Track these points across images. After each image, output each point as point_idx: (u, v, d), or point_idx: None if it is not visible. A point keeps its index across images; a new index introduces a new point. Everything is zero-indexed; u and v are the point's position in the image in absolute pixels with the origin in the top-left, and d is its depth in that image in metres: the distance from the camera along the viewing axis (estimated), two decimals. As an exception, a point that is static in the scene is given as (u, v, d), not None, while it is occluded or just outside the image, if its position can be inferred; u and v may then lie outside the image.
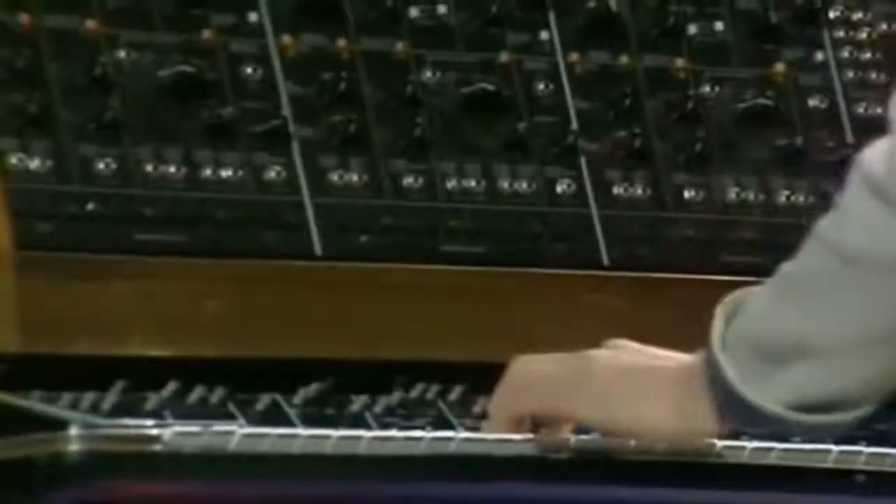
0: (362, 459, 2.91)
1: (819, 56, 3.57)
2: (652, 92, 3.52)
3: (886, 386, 2.68)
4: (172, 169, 3.11)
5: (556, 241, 3.33)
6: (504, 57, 3.42)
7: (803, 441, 2.94)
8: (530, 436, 2.93)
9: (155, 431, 2.72)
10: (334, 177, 3.27)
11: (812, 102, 3.39)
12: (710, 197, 3.44)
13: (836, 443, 3.01)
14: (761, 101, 3.53)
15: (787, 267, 2.68)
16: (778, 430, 2.78)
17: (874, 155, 2.60)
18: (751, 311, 2.71)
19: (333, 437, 2.86)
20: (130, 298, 3.06)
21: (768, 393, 2.62)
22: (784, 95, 3.50)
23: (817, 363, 2.65)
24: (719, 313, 2.70)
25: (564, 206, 3.35)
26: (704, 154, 3.48)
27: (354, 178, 3.25)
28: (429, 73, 3.38)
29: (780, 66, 3.59)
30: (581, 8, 3.55)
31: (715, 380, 2.66)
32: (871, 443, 3.08)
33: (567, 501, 3.16)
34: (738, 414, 2.68)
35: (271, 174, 3.20)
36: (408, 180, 3.29)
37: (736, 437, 2.95)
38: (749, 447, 2.96)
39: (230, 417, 2.87)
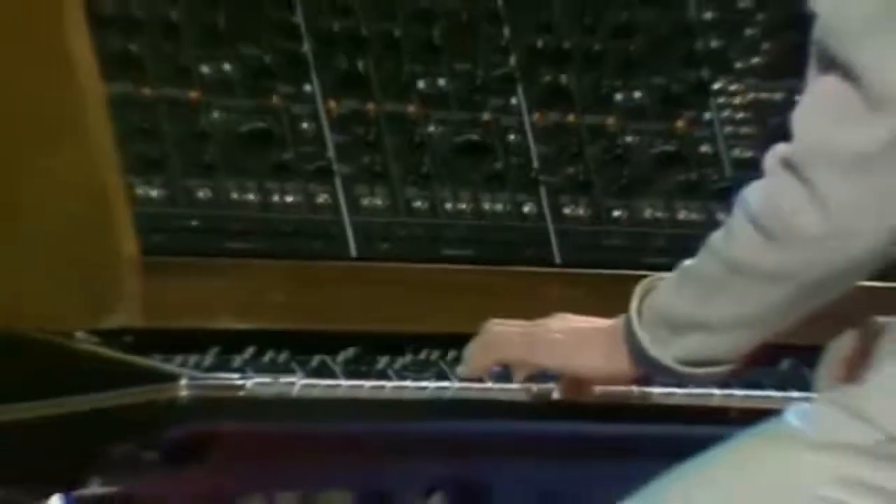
0: (387, 402, 3.10)
1: (707, 115, 3.60)
2: (591, 140, 3.57)
3: (750, 351, 2.76)
4: (251, 196, 3.21)
5: (523, 246, 3.43)
6: (486, 116, 3.50)
7: (693, 387, 3.07)
8: (516, 385, 3.02)
9: (239, 382, 2.91)
10: (365, 201, 3.36)
11: (703, 148, 3.43)
12: (632, 216, 3.49)
13: (719, 387, 3.15)
14: (668, 147, 3.60)
15: (687, 264, 2.77)
16: (672, 377, 2.84)
17: (753, 192, 2.68)
18: (659, 293, 2.78)
19: (365, 387, 3.05)
20: (221, 288, 3.16)
21: (667, 352, 2.73)
22: (684, 143, 3.47)
23: (702, 335, 2.74)
24: (637, 291, 2.79)
25: (528, 221, 3.44)
26: (629, 185, 3.56)
27: (378, 202, 3.35)
28: (432, 127, 3.44)
29: (680, 122, 3.54)
30: (541, 80, 3.60)
31: (631, 338, 2.76)
32: (741, 387, 3.23)
33: (536, 432, 3.29)
34: (645, 364, 2.78)
35: (320, 199, 3.30)
36: (417, 203, 3.38)
37: (647, 381, 3.04)
38: (656, 392, 3.09)
39: (292, 372, 3.03)
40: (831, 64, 2.65)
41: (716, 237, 2.72)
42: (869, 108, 2.60)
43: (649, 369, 2.83)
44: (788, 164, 2.65)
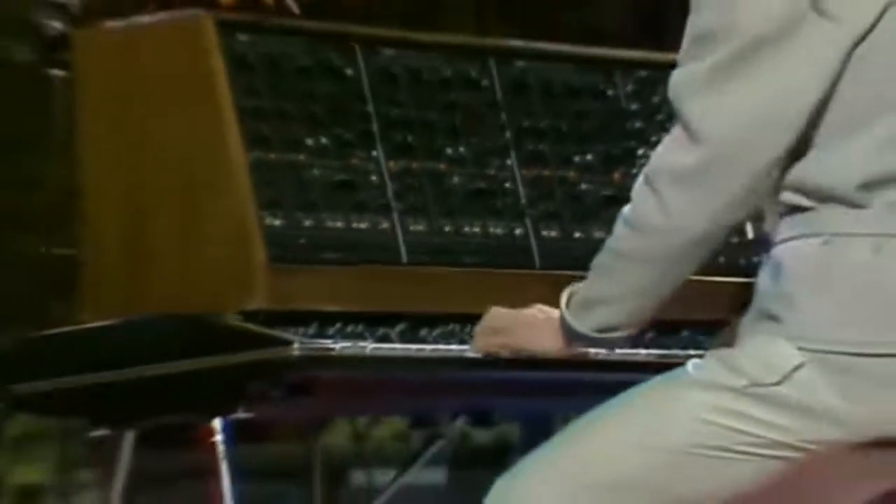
0: (426, 359, 3.29)
1: (634, 171, 3.58)
2: (560, 187, 3.66)
3: (646, 317, 2.81)
4: (339, 223, 3.35)
5: (514, 257, 3.54)
6: (490, 171, 3.59)
7: (607, 349, 2.98)
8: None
9: (331, 345, 3.16)
10: (412, 227, 3.47)
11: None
12: (587, 236, 3.57)
13: (631, 348, 3.27)
14: (609, 192, 3.70)
15: (595, 260, 2.83)
16: (591, 343, 2.88)
17: (632, 201, 2.75)
18: (577, 286, 2.82)
19: (412, 349, 3.27)
20: (319, 284, 3.33)
21: (583, 324, 2.78)
22: (620, 189, 3.58)
23: (603, 308, 2.79)
24: (566, 290, 2.81)
25: (518, 240, 3.55)
26: (585, 216, 3.64)
27: (420, 227, 3.46)
28: (455, 179, 3.56)
29: (616, 175, 3.72)
30: (527, 148, 3.65)
31: (562, 322, 2.82)
32: (650, 346, 3.37)
33: (517, 378, 3.28)
34: (572, 337, 2.84)
35: (383, 225, 3.44)
36: (446, 228, 3.49)
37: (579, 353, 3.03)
38: (592, 352, 3.00)
39: (364, 339, 3.24)
40: (677, 113, 2.74)
41: (611, 237, 2.81)
42: (691, 142, 2.70)
43: (575, 340, 2.88)
44: (646, 179, 2.75)
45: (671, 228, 2.73)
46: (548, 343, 2.96)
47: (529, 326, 3.04)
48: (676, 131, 2.73)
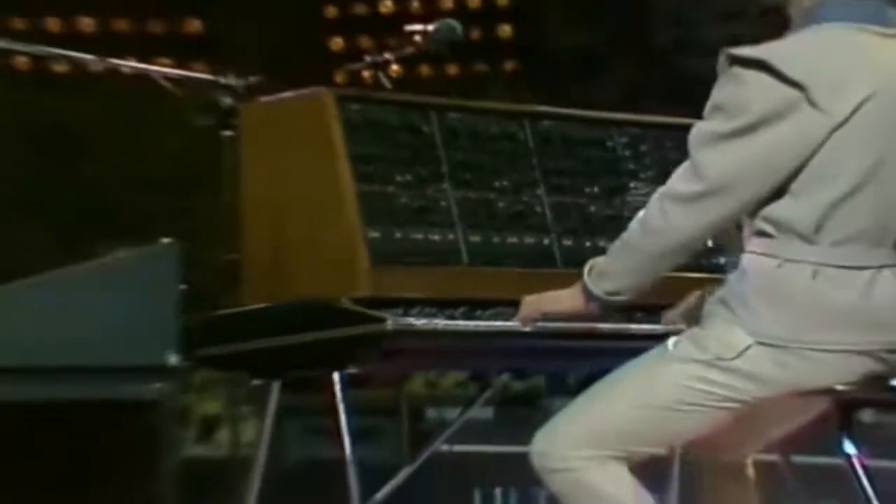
0: (483, 332, 3.29)
1: (628, 200, 3.68)
2: (576, 211, 3.61)
3: (641, 290, 2.85)
4: (419, 236, 3.32)
5: (543, 261, 3.48)
6: (525, 198, 3.55)
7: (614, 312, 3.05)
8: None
9: (415, 322, 3.17)
10: (470, 238, 3.39)
11: (625, 214, 3.40)
12: (594, 246, 3.44)
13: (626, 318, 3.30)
14: (610, 212, 3.66)
15: (612, 246, 2.88)
16: (602, 302, 2.88)
17: (646, 209, 2.83)
18: (596, 261, 2.84)
19: (471, 325, 3.27)
20: (406, 278, 3.31)
21: (598, 288, 2.83)
22: (617, 211, 3.63)
23: (614, 279, 2.83)
24: (588, 263, 2.86)
25: (545, 249, 3.50)
26: (594, 232, 3.60)
27: (477, 238, 3.40)
28: (500, 204, 3.52)
29: (617, 201, 3.70)
30: (552, 182, 3.60)
31: (584, 286, 2.86)
32: (640, 323, 3.33)
33: (549, 346, 3.30)
34: (589, 297, 2.86)
35: (449, 237, 3.40)
36: (494, 240, 3.43)
37: (602, 317, 3.10)
38: (605, 327, 3.17)
39: (436, 317, 3.23)
40: (690, 155, 2.76)
41: (625, 232, 2.83)
42: (695, 178, 2.73)
43: (591, 300, 2.89)
44: (659, 195, 2.79)
45: (668, 232, 2.78)
46: (570, 304, 2.95)
47: (555, 296, 2.99)
48: (687, 167, 2.78)
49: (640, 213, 2.84)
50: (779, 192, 2.77)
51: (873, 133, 2.75)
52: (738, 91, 2.75)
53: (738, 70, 2.74)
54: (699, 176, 2.76)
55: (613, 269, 2.89)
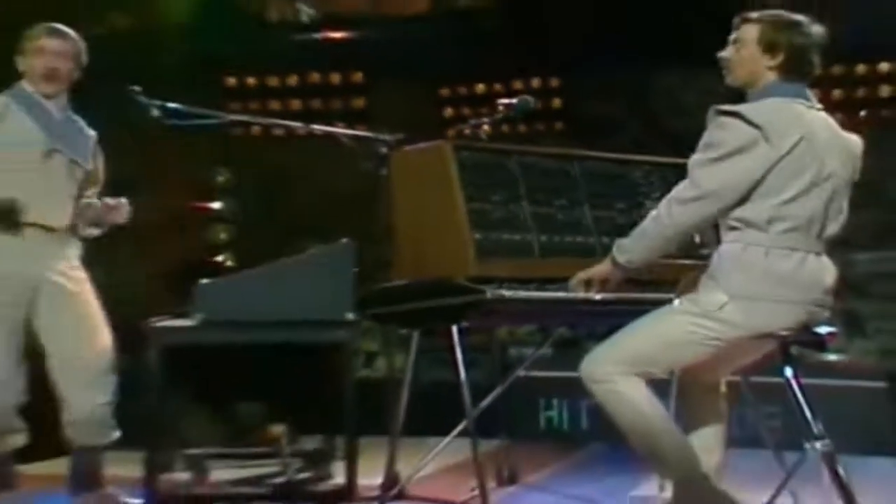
0: (549, 300, 3.12)
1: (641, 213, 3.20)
2: (610, 224, 3.48)
3: (650, 262, 2.80)
4: (505, 237, 3.24)
5: (588, 254, 3.29)
6: (575, 214, 3.43)
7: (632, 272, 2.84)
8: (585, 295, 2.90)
9: (503, 293, 3.05)
10: (541, 238, 3.32)
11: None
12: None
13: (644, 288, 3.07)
14: (628, 221, 3.35)
15: (632, 231, 2.81)
16: (624, 268, 2.81)
17: (658, 208, 2.76)
18: (625, 239, 2.79)
19: (542, 294, 3.12)
20: (497, 265, 3.15)
21: (621, 258, 2.78)
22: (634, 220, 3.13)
23: (632, 253, 2.78)
24: (617, 241, 2.84)
25: (589, 246, 3.37)
26: (620, 233, 3.11)
27: (544, 239, 3.31)
28: (560, 215, 3.41)
29: (641, 213, 3.38)
30: (596, 202, 3.48)
31: (612, 256, 2.82)
32: (648, 292, 3.07)
33: (595, 310, 3.13)
34: (615, 265, 2.81)
35: (527, 238, 3.30)
36: (555, 239, 3.35)
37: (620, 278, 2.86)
38: (626, 296, 3.01)
39: (518, 290, 3.09)
40: (689, 173, 2.73)
41: (647, 219, 2.77)
42: (693, 187, 2.71)
43: (616, 267, 2.82)
44: (668, 199, 2.74)
45: (671, 224, 2.75)
46: (602, 269, 2.87)
47: (594, 268, 2.90)
48: (686, 182, 2.74)
49: (653, 212, 2.78)
50: (743, 200, 2.73)
51: (804, 163, 2.72)
52: (720, 132, 2.72)
53: (721, 119, 2.72)
54: (695, 186, 2.73)
55: (632, 247, 2.84)
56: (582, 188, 3.50)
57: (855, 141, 2.87)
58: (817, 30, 2.81)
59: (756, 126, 2.69)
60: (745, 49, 2.80)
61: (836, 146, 2.80)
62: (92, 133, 3.34)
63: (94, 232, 3.37)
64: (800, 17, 2.80)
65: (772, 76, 2.79)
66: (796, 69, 2.79)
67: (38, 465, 3.56)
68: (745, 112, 2.71)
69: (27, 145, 3.19)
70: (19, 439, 3.28)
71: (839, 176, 2.78)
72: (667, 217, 2.75)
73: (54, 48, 3.24)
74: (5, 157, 3.16)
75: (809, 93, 2.83)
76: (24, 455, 3.35)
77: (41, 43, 3.24)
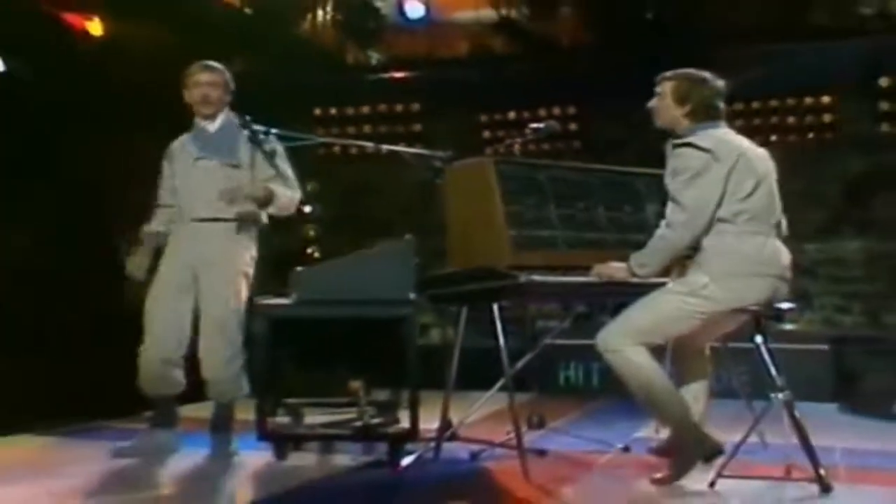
0: (572, 283, 3.00)
1: (649, 221, 3.37)
2: (626, 227, 3.37)
3: (658, 271, 2.78)
4: (535, 233, 3.15)
5: (601, 245, 3.22)
6: (593, 214, 3.33)
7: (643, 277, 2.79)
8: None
9: (534, 278, 2.91)
10: (565, 233, 3.21)
11: (645, 231, 3.15)
12: (626, 239, 3.21)
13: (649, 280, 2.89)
14: (634, 222, 3.38)
15: (645, 247, 2.77)
16: (637, 275, 2.79)
17: (658, 230, 2.75)
18: (641, 256, 2.76)
19: (565, 279, 2.99)
20: (528, 256, 3.07)
21: (639, 270, 2.77)
22: (645, 228, 3.27)
23: (644, 266, 2.78)
24: (632, 256, 2.79)
25: (618, 244, 3.21)
26: (624, 230, 3.32)
27: (570, 233, 3.21)
28: (579, 216, 3.31)
29: (648, 215, 3.38)
30: (613, 212, 3.36)
31: (629, 266, 2.79)
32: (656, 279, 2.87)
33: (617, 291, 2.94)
34: (633, 274, 2.80)
35: (555, 234, 3.19)
36: (577, 236, 3.24)
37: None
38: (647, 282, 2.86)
39: (546, 276, 2.96)
40: (672, 199, 2.74)
41: (655, 237, 2.76)
42: (680, 210, 2.73)
43: (633, 275, 2.81)
44: (665, 224, 2.78)
45: (671, 240, 2.76)
46: (623, 275, 2.84)
47: (617, 267, 2.85)
48: (673, 206, 2.74)
49: (658, 233, 2.78)
50: (717, 209, 2.75)
51: (746, 171, 2.74)
52: (681, 160, 2.73)
53: (678, 150, 2.74)
54: (683, 209, 2.74)
55: (646, 261, 2.83)
56: (597, 194, 3.42)
57: (765, 152, 2.86)
58: (720, 84, 2.82)
59: (706, 150, 2.70)
60: (662, 101, 2.82)
61: (758, 157, 2.81)
62: (244, 137, 3.26)
63: (250, 208, 3.28)
64: (705, 74, 2.81)
65: (685, 122, 2.80)
66: (704, 114, 2.78)
67: (194, 405, 3.55)
68: (695, 141, 2.73)
69: (186, 155, 3.31)
70: (179, 387, 3.31)
71: (769, 177, 2.80)
72: (671, 236, 2.75)
73: (206, 80, 3.30)
74: (176, 165, 3.31)
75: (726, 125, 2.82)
76: (184, 399, 3.40)
77: (196, 77, 3.32)
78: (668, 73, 2.81)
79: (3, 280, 4.01)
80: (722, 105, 2.81)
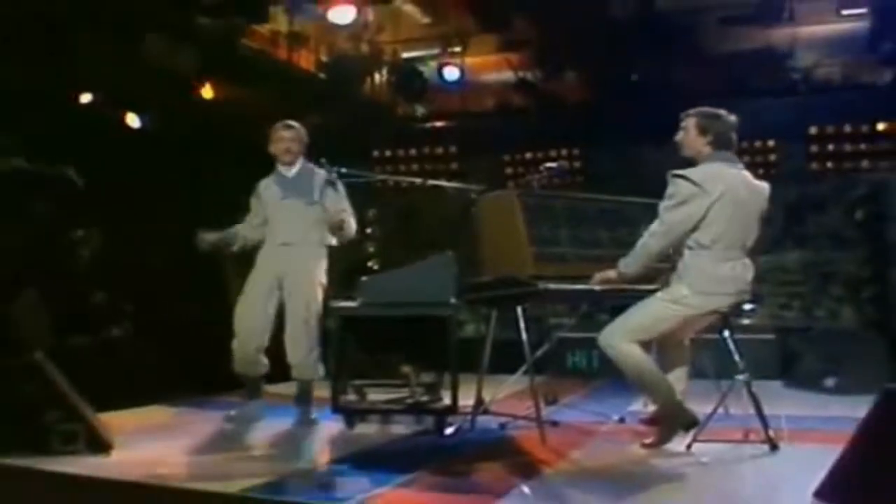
0: (579, 290, 2.90)
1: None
2: (623, 236, 3.19)
3: (640, 272, 2.70)
4: (552, 250, 3.08)
5: (603, 260, 2.97)
6: (600, 231, 3.22)
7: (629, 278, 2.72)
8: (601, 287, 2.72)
9: (550, 286, 2.86)
10: (574, 250, 3.12)
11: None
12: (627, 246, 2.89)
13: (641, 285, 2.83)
14: (633, 236, 3.07)
15: (631, 251, 2.69)
16: (623, 276, 2.71)
17: (643, 239, 2.68)
18: (623, 259, 2.71)
19: (574, 286, 2.90)
20: (546, 267, 2.99)
21: (625, 269, 2.71)
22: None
23: (630, 266, 2.73)
24: (620, 261, 2.71)
25: (604, 254, 3.05)
26: (624, 244, 2.97)
27: (576, 251, 3.10)
28: (591, 234, 3.23)
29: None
30: (616, 227, 3.25)
31: (618, 268, 2.73)
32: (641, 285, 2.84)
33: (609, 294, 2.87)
34: (620, 274, 2.75)
35: (565, 250, 3.09)
36: (583, 252, 3.14)
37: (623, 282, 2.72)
38: (626, 287, 2.84)
39: (559, 284, 2.91)
40: (659, 216, 2.68)
41: (639, 243, 2.67)
42: (661, 225, 2.69)
43: (620, 274, 2.74)
44: (648, 234, 2.70)
45: (648, 247, 2.69)
46: (612, 275, 2.77)
47: (608, 271, 2.79)
48: (657, 221, 2.69)
49: (640, 241, 2.74)
50: (695, 229, 2.69)
51: (728, 205, 2.67)
52: (674, 188, 2.69)
53: (675, 179, 2.69)
54: (663, 223, 2.71)
55: (629, 262, 2.79)
56: (598, 219, 3.37)
57: (763, 186, 2.76)
58: (732, 118, 2.78)
59: (695, 184, 2.67)
60: (687, 134, 2.77)
61: (749, 191, 2.70)
62: (321, 177, 3.32)
63: (333, 240, 3.37)
64: (720, 111, 2.78)
65: (707, 150, 2.75)
66: (722, 144, 2.73)
67: (282, 384, 3.58)
68: (688, 174, 2.69)
69: (273, 197, 3.39)
70: (264, 369, 3.36)
71: (752, 211, 2.71)
72: (649, 244, 2.72)
73: (287, 136, 3.38)
74: (264, 202, 3.39)
75: (734, 156, 2.75)
76: (269, 379, 3.45)
77: (279, 133, 3.39)
78: (691, 111, 2.76)
79: (146, 286, 4.25)
80: (734, 136, 2.74)
